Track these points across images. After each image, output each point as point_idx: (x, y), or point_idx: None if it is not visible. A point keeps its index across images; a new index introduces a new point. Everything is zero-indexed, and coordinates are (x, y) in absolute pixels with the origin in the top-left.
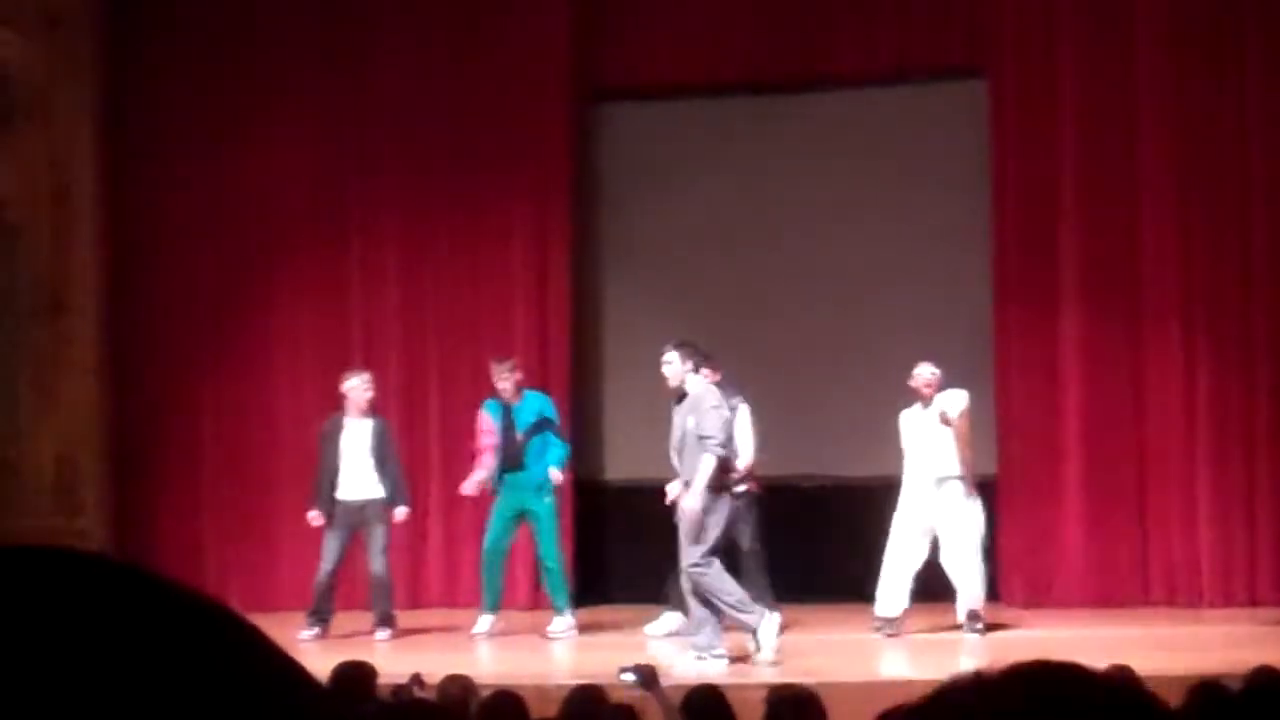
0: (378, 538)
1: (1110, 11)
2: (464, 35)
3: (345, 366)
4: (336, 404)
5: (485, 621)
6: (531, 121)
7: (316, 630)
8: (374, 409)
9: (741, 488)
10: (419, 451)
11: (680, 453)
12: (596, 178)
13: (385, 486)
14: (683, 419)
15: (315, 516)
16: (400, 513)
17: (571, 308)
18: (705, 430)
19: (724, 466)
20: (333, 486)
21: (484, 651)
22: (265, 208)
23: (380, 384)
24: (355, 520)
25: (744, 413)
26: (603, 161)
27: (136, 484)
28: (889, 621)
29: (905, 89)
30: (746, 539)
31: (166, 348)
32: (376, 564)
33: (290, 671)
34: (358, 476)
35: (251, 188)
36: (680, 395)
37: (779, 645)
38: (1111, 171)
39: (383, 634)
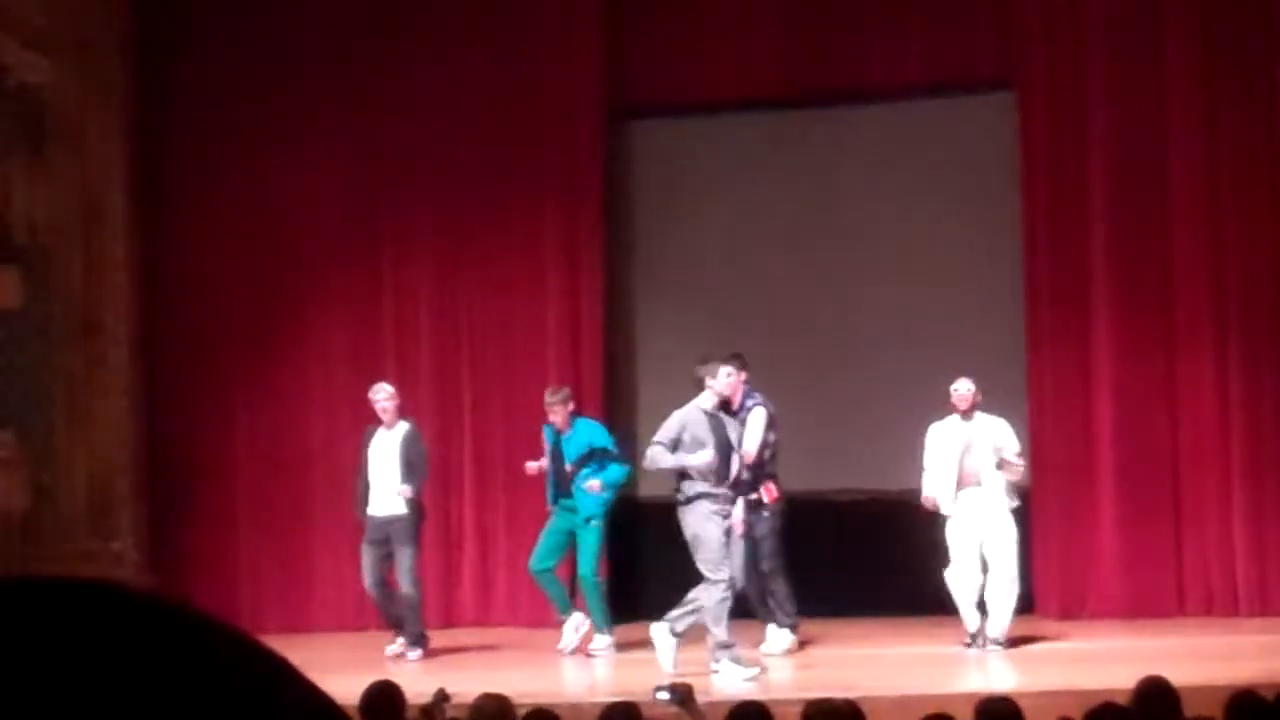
0: (405, 558)
1: (1139, 22)
2: (496, 52)
3: (378, 379)
4: (370, 422)
5: (574, 626)
6: (563, 138)
7: (406, 642)
8: (399, 417)
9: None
10: (453, 468)
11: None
12: (628, 194)
13: (409, 501)
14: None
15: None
16: (404, 490)
17: (604, 323)
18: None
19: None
20: (365, 498)
21: (517, 670)
22: (297, 227)
23: (413, 400)
24: (383, 535)
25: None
26: (634, 178)
27: (171, 506)
28: (977, 634)
29: (935, 102)
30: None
31: (199, 369)
32: (404, 584)
33: (319, 705)
34: (383, 491)
35: (283, 207)
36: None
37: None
38: (1141, 181)
39: (414, 654)
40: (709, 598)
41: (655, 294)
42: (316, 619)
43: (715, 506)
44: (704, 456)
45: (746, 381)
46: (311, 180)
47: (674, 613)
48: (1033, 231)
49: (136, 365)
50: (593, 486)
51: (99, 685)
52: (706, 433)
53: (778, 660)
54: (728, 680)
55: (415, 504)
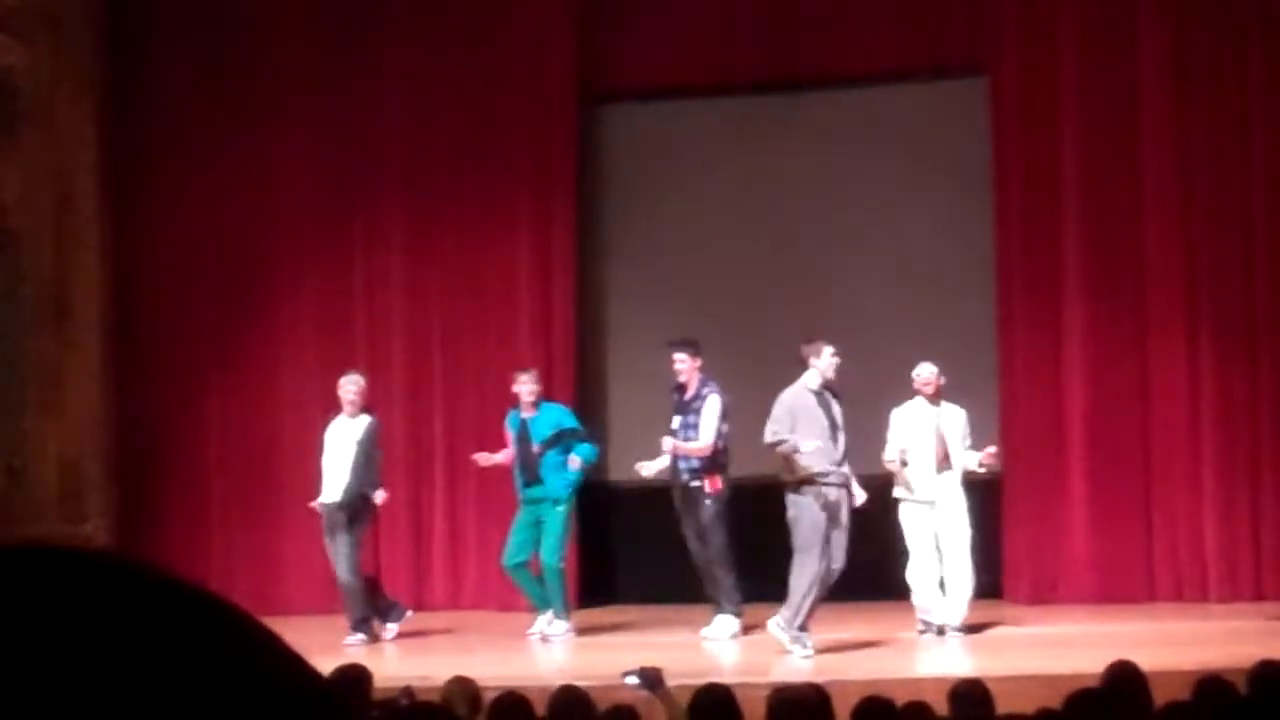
0: (343, 544)
1: (1112, 8)
2: (469, 37)
3: (350, 369)
4: (338, 407)
5: (547, 621)
6: (536, 122)
7: (401, 619)
8: (363, 409)
9: (695, 483)
10: (424, 454)
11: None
12: (601, 178)
13: (353, 489)
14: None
15: (317, 505)
16: (378, 495)
17: (576, 308)
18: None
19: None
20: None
21: (486, 654)
22: (269, 212)
23: (385, 387)
24: (331, 522)
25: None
26: (607, 162)
27: (141, 490)
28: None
29: (908, 87)
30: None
31: (171, 354)
32: (341, 570)
33: (297, 669)
34: (332, 479)
35: (255, 192)
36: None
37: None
38: (1114, 168)
39: (354, 639)
40: (800, 580)
41: (627, 278)
42: (288, 602)
43: (822, 488)
44: (810, 445)
45: (701, 369)
46: (283, 165)
47: (786, 612)
48: (1005, 216)
49: (107, 349)
50: (574, 462)
51: (69, 649)
52: (816, 413)
53: (730, 644)
54: (792, 660)
55: (361, 496)
